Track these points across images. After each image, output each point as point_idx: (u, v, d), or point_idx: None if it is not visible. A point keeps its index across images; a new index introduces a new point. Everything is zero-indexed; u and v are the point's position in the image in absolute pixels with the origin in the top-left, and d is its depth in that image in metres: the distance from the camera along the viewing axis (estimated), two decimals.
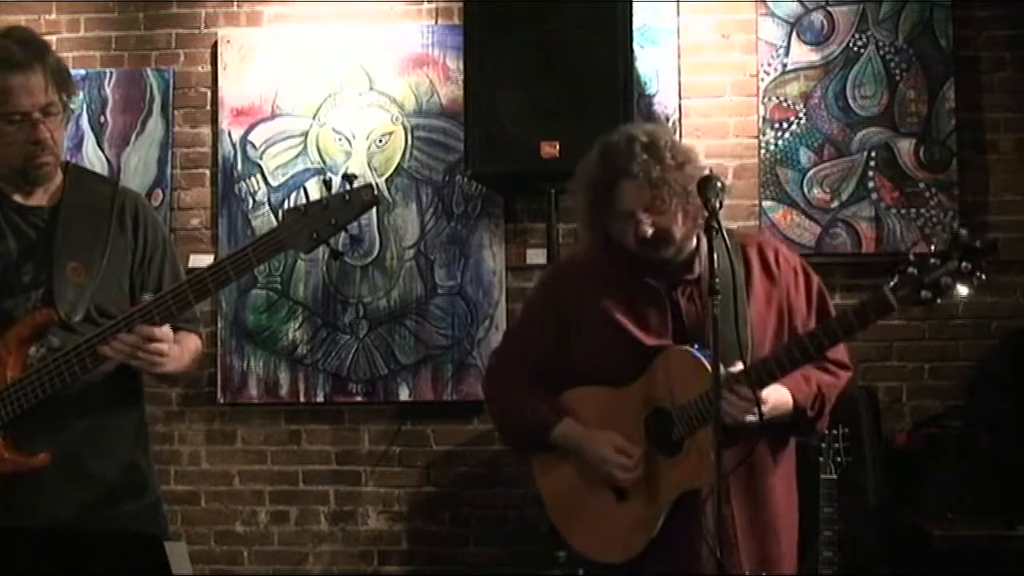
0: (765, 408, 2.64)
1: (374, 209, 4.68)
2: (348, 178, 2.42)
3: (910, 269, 2.49)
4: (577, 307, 2.88)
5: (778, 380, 2.69)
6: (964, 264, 2.45)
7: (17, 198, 2.64)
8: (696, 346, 2.73)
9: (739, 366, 2.63)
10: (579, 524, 2.88)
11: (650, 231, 2.72)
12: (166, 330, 2.51)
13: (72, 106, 2.66)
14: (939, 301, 2.49)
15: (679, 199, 2.71)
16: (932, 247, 2.52)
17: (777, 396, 2.73)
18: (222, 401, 4.83)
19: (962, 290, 2.45)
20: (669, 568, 2.73)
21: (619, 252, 2.82)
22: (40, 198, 2.66)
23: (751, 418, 2.63)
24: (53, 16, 5.01)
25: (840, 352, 2.87)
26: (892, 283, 2.51)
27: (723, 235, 2.53)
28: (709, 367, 2.58)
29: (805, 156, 4.60)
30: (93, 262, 2.63)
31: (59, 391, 2.52)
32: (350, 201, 2.40)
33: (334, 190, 2.42)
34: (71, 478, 2.58)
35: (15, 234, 2.61)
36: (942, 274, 2.46)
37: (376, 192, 2.45)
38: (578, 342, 2.87)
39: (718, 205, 2.57)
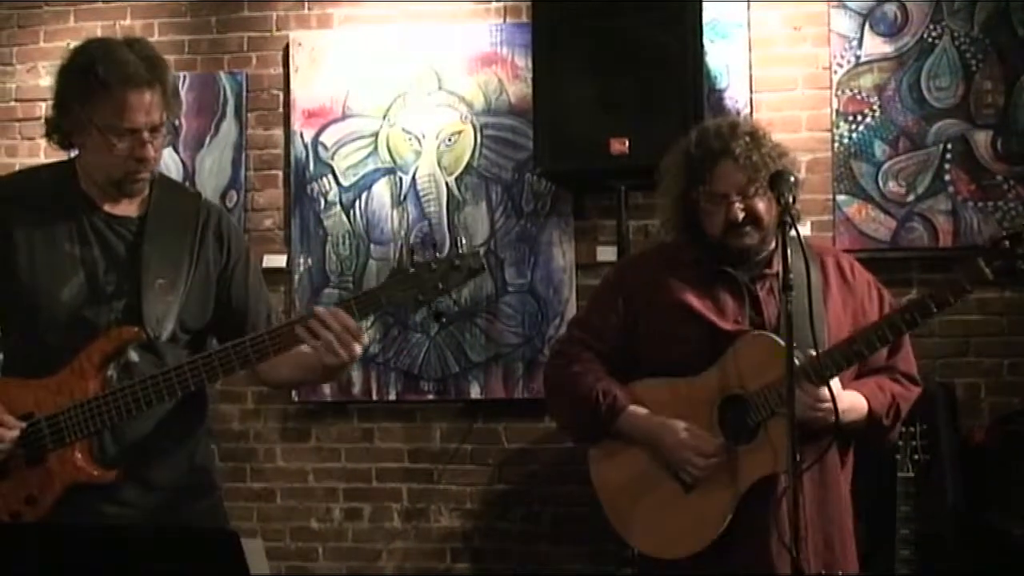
0: (841, 404, 2.63)
1: (444, 208, 4.80)
2: (457, 244, 2.46)
3: (1004, 242, 2.47)
4: (649, 294, 2.85)
5: (860, 363, 2.68)
6: None
7: (105, 207, 2.64)
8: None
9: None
10: (640, 517, 2.83)
11: (741, 215, 2.72)
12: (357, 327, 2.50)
13: (174, 126, 2.68)
14: None
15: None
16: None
17: (852, 400, 2.72)
18: (296, 399, 4.89)
19: None
20: (738, 564, 2.70)
21: (700, 240, 2.82)
22: (127, 208, 2.66)
23: (824, 413, 2.62)
24: (128, 22, 5.10)
25: (911, 366, 2.87)
26: (986, 256, 2.48)
27: (797, 230, 2.51)
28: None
29: (880, 149, 4.53)
30: (179, 278, 2.64)
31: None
32: (458, 267, 2.43)
33: (441, 254, 2.46)
34: (135, 485, 2.60)
35: (100, 243, 2.62)
36: None
37: (483, 260, 2.47)
38: (649, 330, 2.84)
39: (791, 200, 2.56)
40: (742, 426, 2.72)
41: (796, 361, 2.58)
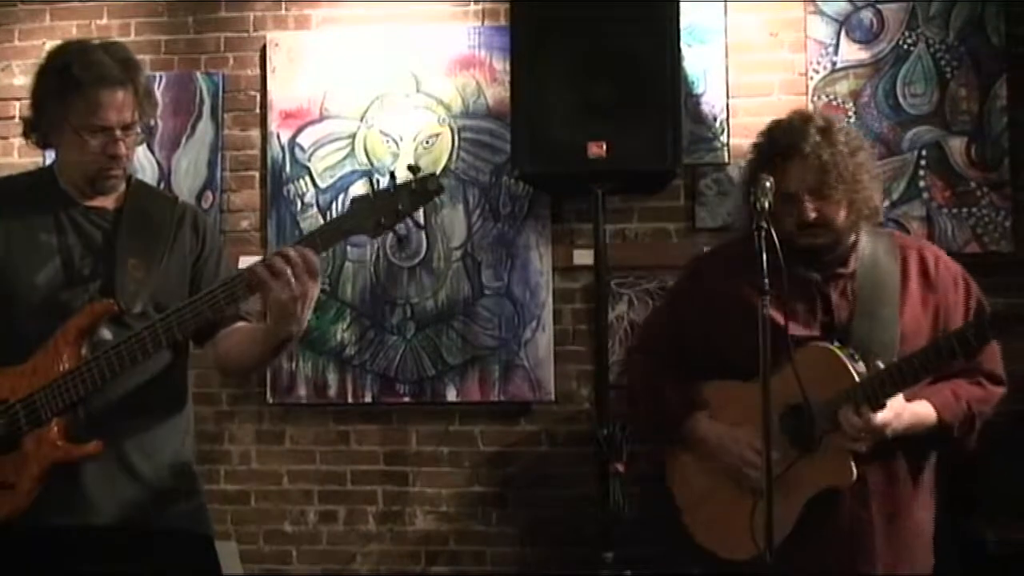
0: (900, 424, 2.62)
1: (421, 210, 4.77)
2: (414, 168, 2.47)
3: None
4: (721, 295, 2.83)
5: (917, 383, 2.64)
6: None
7: (83, 202, 2.70)
8: (836, 343, 2.69)
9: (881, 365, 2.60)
10: (709, 520, 2.85)
11: (812, 216, 2.68)
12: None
13: (148, 127, 2.72)
14: None
15: (846, 187, 2.67)
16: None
17: (915, 416, 2.68)
18: (271, 401, 4.87)
19: None
20: (797, 567, 2.67)
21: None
22: (105, 202, 2.72)
23: (864, 443, 2.61)
24: (104, 21, 5.06)
25: (996, 363, 2.81)
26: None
27: (772, 236, 2.49)
28: (851, 368, 2.59)
29: None
30: (153, 261, 2.68)
31: (108, 386, 2.55)
32: (416, 190, 2.46)
33: (399, 180, 2.47)
34: (117, 476, 2.61)
35: (76, 231, 2.66)
36: None
37: (439, 182, 2.49)
38: (721, 331, 2.83)
39: (767, 205, 2.54)
40: (806, 435, 2.70)
41: (855, 377, 2.59)
